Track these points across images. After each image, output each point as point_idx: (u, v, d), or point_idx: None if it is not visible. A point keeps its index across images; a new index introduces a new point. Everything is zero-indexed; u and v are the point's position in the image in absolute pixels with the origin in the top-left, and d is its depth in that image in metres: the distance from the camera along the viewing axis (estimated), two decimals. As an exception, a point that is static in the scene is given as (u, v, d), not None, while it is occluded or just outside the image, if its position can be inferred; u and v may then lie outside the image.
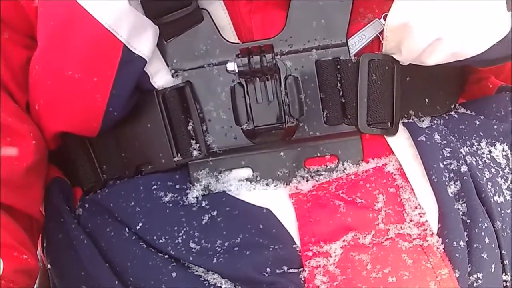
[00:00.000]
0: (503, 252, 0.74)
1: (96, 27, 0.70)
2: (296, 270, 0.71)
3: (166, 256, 0.73)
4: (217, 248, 0.72)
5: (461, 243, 0.72)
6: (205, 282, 0.72)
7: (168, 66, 0.76)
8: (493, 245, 0.73)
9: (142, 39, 0.73)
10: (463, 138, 0.79)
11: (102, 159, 0.80)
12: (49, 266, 0.80)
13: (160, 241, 0.73)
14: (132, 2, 0.71)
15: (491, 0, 0.73)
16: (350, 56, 0.75)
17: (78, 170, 0.81)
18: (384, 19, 0.74)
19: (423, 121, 0.79)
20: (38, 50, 0.74)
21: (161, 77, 0.76)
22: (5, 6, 0.74)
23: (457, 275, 0.71)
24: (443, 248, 0.72)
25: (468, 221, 0.73)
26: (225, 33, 0.75)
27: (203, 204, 0.75)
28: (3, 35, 0.75)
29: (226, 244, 0.72)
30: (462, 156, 0.76)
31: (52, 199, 0.80)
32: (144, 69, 0.74)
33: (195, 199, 0.75)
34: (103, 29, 0.70)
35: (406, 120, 0.78)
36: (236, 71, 0.72)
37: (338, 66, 0.75)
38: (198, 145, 0.76)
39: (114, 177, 0.80)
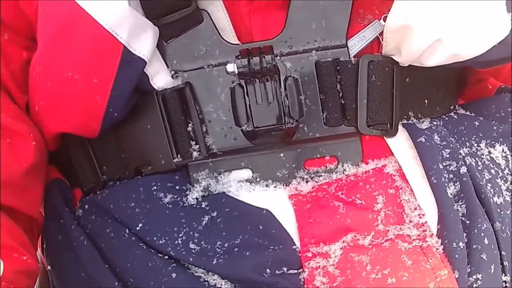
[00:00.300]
0: (502, 253, 0.74)
1: (96, 28, 0.70)
2: (295, 271, 0.71)
3: (166, 257, 0.73)
4: (217, 249, 0.72)
5: (461, 244, 0.72)
6: (205, 283, 0.72)
7: (168, 67, 0.76)
8: (492, 246, 0.74)
9: (142, 40, 0.72)
10: (463, 139, 0.79)
11: (102, 160, 0.80)
12: (49, 267, 0.80)
13: (160, 242, 0.73)
14: (132, 3, 0.71)
15: (492, 1, 0.73)
16: (349, 57, 0.75)
17: (78, 171, 0.81)
18: (384, 20, 0.74)
19: (422, 122, 0.79)
20: (38, 51, 0.73)
21: (161, 78, 0.75)
22: (5, 7, 0.74)
23: (457, 276, 0.71)
24: (443, 249, 0.72)
25: (468, 222, 0.73)
26: (225, 34, 0.75)
27: (203, 205, 0.75)
28: (3, 36, 0.75)
29: (226, 245, 0.72)
30: (462, 157, 0.76)
31: (51, 200, 0.80)
32: (144, 70, 0.74)
33: (195, 200, 0.75)
34: (103, 30, 0.70)
35: (405, 121, 0.78)
36: (236, 72, 0.72)
37: (338, 67, 0.75)
38: (198, 146, 0.76)
39: (114, 178, 0.79)
